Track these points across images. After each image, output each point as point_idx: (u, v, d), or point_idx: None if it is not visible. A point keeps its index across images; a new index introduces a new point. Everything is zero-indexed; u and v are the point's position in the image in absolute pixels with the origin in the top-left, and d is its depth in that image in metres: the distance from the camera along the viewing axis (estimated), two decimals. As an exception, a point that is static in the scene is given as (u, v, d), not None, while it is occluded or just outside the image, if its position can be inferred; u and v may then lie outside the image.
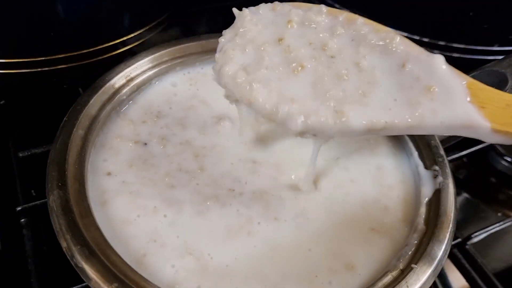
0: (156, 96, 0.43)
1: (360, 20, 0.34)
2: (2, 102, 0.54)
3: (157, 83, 0.44)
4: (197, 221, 0.35)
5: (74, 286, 0.38)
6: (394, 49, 0.33)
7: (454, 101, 0.30)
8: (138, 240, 0.33)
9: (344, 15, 0.34)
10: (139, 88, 0.42)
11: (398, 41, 0.33)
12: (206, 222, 0.35)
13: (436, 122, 0.31)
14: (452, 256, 0.47)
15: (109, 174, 0.37)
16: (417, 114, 0.31)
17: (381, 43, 0.33)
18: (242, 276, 0.32)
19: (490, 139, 0.31)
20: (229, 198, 0.36)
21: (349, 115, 0.31)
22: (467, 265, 0.46)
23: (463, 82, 0.31)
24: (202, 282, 0.32)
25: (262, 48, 0.33)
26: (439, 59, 0.32)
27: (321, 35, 0.34)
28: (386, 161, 0.41)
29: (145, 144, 0.39)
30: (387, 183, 0.39)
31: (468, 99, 0.30)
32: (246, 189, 0.37)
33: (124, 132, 0.40)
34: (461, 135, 0.32)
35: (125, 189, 0.36)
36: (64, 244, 0.30)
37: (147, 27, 0.53)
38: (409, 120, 0.31)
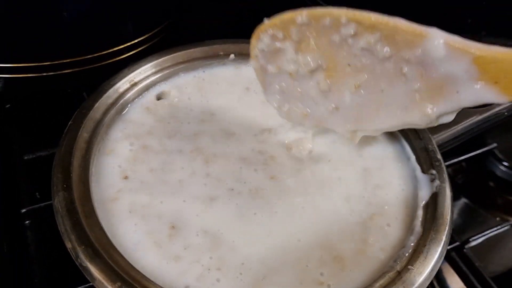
0: (159, 101, 0.44)
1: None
2: (8, 106, 0.55)
3: (160, 87, 0.44)
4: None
5: (77, 287, 0.38)
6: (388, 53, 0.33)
7: (462, 89, 0.30)
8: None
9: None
10: (143, 92, 0.43)
11: (386, 51, 0.33)
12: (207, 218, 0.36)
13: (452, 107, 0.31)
14: (450, 260, 0.48)
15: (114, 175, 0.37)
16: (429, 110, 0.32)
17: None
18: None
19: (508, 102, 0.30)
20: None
21: None
22: (465, 269, 0.47)
23: (469, 60, 0.29)
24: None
25: None
26: (435, 44, 0.30)
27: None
28: (383, 164, 0.41)
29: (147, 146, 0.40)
30: (384, 186, 0.40)
31: (478, 76, 0.29)
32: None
33: (127, 134, 0.41)
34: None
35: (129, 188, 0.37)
36: (69, 245, 0.31)
37: (149, 33, 0.54)
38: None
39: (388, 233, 0.36)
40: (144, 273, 0.30)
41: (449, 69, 0.30)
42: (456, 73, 0.30)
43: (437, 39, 0.30)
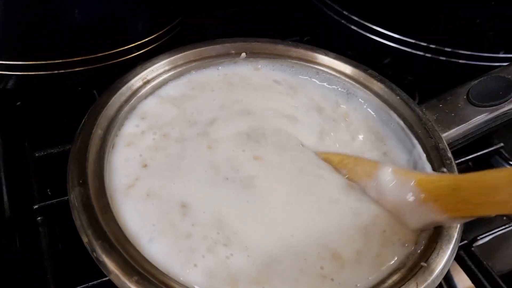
0: (171, 98, 0.44)
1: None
2: (19, 103, 0.55)
3: (173, 85, 0.45)
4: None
5: (88, 282, 0.39)
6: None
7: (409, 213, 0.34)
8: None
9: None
10: (155, 90, 0.43)
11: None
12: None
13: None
14: (458, 258, 0.48)
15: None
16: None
17: None
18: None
19: (448, 223, 0.34)
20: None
21: None
22: (473, 267, 0.47)
23: (412, 183, 0.34)
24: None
25: None
26: (386, 171, 0.37)
27: None
28: (395, 163, 0.42)
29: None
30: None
31: (421, 197, 0.33)
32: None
33: (140, 131, 0.41)
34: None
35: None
36: (85, 239, 0.31)
37: (160, 32, 0.54)
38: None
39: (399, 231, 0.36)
40: (157, 262, 0.31)
41: (398, 192, 0.35)
42: (404, 195, 0.34)
43: (387, 168, 0.37)
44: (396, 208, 0.35)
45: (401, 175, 0.35)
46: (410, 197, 0.34)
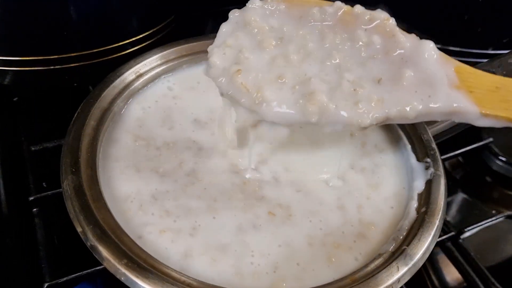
0: (162, 92, 0.45)
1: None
2: (16, 98, 0.56)
3: (164, 79, 0.46)
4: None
5: (83, 271, 0.40)
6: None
7: (439, 89, 0.31)
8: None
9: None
10: (148, 83, 0.44)
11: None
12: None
13: (423, 110, 0.32)
14: (446, 250, 0.48)
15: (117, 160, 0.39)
16: (405, 105, 0.32)
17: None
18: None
19: (480, 122, 0.31)
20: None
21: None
22: (460, 259, 0.48)
23: (452, 68, 0.32)
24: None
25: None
26: (426, 46, 0.33)
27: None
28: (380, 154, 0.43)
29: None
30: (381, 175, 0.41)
31: (457, 84, 0.31)
32: None
33: (131, 123, 0.42)
34: (453, 119, 0.32)
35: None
36: (78, 226, 0.32)
37: (154, 29, 0.55)
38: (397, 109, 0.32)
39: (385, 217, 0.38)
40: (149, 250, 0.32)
41: (433, 70, 0.32)
42: (438, 75, 0.32)
43: (432, 44, 0.33)
44: (426, 81, 0.32)
45: (444, 56, 0.33)
46: (444, 79, 0.31)
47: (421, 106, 0.31)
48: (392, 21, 0.35)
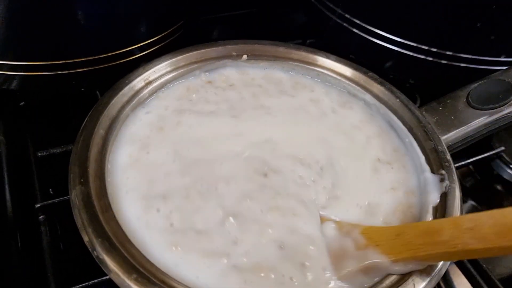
0: (172, 100, 0.45)
1: None
2: (22, 103, 0.56)
3: (173, 86, 0.45)
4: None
5: (89, 281, 0.39)
6: None
7: (350, 254, 0.34)
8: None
9: None
10: (157, 91, 0.44)
11: None
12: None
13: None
14: (457, 261, 0.48)
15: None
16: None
17: None
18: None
19: (394, 270, 0.33)
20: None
21: None
22: (472, 270, 0.47)
23: (357, 232, 0.36)
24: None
25: None
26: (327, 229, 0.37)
27: None
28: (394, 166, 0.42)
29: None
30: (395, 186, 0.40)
31: (365, 243, 0.35)
32: None
33: (140, 132, 0.41)
34: (373, 275, 0.34)
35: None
36: (85, 237, 0.32)
37: (162, 34, 0.55)
38: None
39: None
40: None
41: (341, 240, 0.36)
42: (348, 243, 0.35)
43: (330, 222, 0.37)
44: (338, 254, 0.35)
45: (345, 227, 0.37)
46: (352, 244, 0.35)
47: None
48: None
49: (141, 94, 0.43)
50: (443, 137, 0.43)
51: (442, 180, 0.38)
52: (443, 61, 0.55)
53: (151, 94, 0.44)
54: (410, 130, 0.43)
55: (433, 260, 0.33)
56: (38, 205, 0.44)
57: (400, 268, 0.33)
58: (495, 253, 0.30)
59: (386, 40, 0.57)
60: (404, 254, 0.32)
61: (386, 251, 0.33)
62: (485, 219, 0.29)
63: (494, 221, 0.29)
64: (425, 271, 0.32)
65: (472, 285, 0.47)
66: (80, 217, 0.33)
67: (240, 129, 0.42)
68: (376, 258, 0.33)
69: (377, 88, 0.47)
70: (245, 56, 0.48)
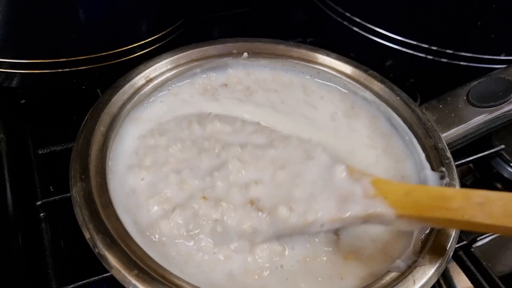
0: (172, 97, 0.45)
1: None
2: (23, 101, 0.56)
3: (173, 84, 0.45)
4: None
5: (89, 278, 0.39)
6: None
7: (357, 199, 0.35)
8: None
9: None
10: (158, 88, 0.44)
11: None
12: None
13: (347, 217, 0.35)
14: (457, 259, 0.48)
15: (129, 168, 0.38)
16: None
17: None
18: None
19: (396, 224, 0.34)
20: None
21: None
22: (472, 268, 0.47)
23: (368, 181, 0.36)
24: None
25: None
26: (338, 171, 0.37)
27: None
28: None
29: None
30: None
31: (373, 193, 0.35)
32: None
33: (142, 129, 0.41)
34: (372, 223, 0.35)
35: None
36: (86, 234, 0.32)
37: (164, 32, 0.55)
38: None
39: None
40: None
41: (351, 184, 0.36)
42: (356, 189, 0.36)
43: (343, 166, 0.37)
44: (344, 196, 0.36)
45: (357, 173, 0.37)
46: (361, 190, 0.36)
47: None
48: None
49: (142, 92, 0.43)
50: (443, 135, 0.43)
51: (442, 178, 0.39)
52: (443, 60, 0.55)
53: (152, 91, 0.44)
54: (411, 127, 0.43)
55: (437, 224, 0.33)
56: (39, 203, 0.44)
57: (403, 224, 0.33)
58: (498, 231, 0.31)
59: (387, 38, 0.57)
60: (411, 211, 0.33)
61: (393, 205, 0.34)
62: (496, 198, 0.31)
63: (504, 202, 0.30)
64: (425, 269, 0.32)
65: (472, 282, 0.47)
66: (81, 214, 0.33)
67: None
68: (383, 209, 0.34)
69: (378, 86, 0.47)
70: (245, 54, 0.48)
